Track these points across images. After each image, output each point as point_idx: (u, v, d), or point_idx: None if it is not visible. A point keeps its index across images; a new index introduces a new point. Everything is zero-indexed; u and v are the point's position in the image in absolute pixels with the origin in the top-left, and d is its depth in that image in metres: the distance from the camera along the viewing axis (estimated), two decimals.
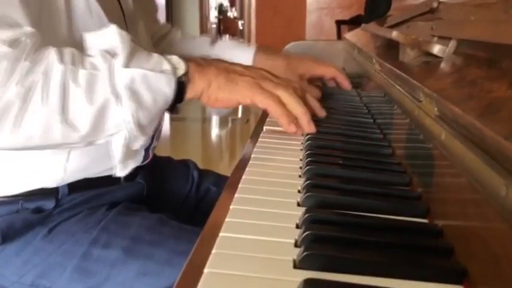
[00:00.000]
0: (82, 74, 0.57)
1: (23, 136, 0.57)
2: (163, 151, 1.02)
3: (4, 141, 0.57)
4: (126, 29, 0.78)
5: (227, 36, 9.86)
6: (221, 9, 9.48)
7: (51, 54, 0.57)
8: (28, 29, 0.58)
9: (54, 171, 0.73)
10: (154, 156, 0.89)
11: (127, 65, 0.59)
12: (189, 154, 3.14)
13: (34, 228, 0.72)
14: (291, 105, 0.68)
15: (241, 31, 9.50)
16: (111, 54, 0.60)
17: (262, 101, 0.66)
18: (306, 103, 0.70)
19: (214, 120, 4.49)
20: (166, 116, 0.65)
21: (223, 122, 4.39)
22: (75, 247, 0.70)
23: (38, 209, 0.73)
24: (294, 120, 0.68)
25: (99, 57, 0.59)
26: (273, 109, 0.67)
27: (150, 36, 0.92)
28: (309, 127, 0.69)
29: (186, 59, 0.65)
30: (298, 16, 5.01)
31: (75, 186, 0.75)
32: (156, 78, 0.60)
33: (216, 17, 8.97)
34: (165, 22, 1.23)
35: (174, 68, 0.62)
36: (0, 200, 0.72)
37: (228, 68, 0.68)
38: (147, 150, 0.83)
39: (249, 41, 5.95)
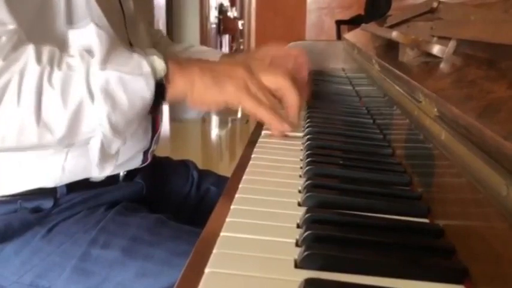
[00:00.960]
0: (58, 75, 0.57)
1: None
2: (163, 151, 1.02)
3: None
4: (125, 31, 0.78)
5: (227, 36, 9.85)
6: (221, 9, 9.47)
7: (29, 53, 0.57)
8: (10, 27, 0.57)
9: (53, 171, 0.72)
10: (154, 156, 0.89)
11: (103, 66, 0.58)
12: (189, 154, 3.14)
13: (33, 228, 0.72)
14: (277, 108, 0.67)
15: (241, 31, 9.50)
16: (91, 54, 0.59)
17: (251, 107, 0.65)
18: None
19: (214, 120, 4.49)
20: (166, 117, 0.65)
21: (223, 123, 4.39)
22: (74, 247, 0.70)
23: (36, 209, 0.73)
24: (284, 120, 0.68)
25: (78, 57, 0.58)
26: (262, 115, 0.66)
27: (150, 39, 0.92)
28: (290, 129, 0.69)
29: (167, 59, 0.63)
30: (298, 16, 5.01)
31: (73, 186, 0.75)
32: (134, 81, 0.60)
33: (216, 17, 8.95)
34: (165, 22, 1.24)
35: (154, 70, 0.61)
36: None
37: (212, 68, 0.67)
38: (145, 153, 0.83)
39: (249, 41, 5.94)
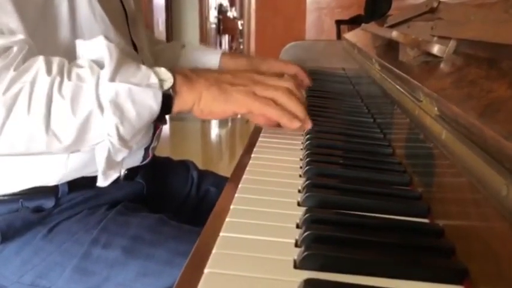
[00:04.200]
0: (68, 85, 0.58)
1: (7, 143, 0.57)
2: (163, 151, 1.02)
3: None
4: (128, 32, 0.79)
5: (227, 36, 9.85)
6: (221, 9, 9.47)
7: (39, 64, 0.58)
8: (20, 36, 0.58)
9: (55, 169, 0.73)
10: (154, 156, 0.89)
11: (112, 78, 0.59)
12: (189, 154, 3.14)
13: (34, 228, 0.72)
14: (286, 105, 0.68)
15: (241, 31, 9.49)
16: (99, 65, 0.60)
17: (258, 108, 0.66)
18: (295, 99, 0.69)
19: (214, 120, 4.48)
20: (166, 116, 0.67)
21: (223, 122, 4.39)
22: (75, 247, 0.70)
23: (37, 208, 0.73)
24: (294, 116, 0.68)
25: (87, 69, 0.60)
26: (271, 113, 0.67)
27: (148, 38, 0.92)
28: (307, 123, 0.69)
29: (174, 71, 0.65)
30: (298, 16, 5.00)
31: (74, 185, 0.75)
32: (142, 93, 0.61)
33: (215, 17, 8.96)
34: (165, 22, 1.26)
35: (161, 81, 0.63)
36: (0, 198, 0.73)
37: (218, 79, 0.68)
38: (146, 149, 0.83)
39: (248, 41, 5.94)
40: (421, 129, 0.54)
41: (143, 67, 0.63)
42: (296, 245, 0.39)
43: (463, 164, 0.40)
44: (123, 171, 0.81)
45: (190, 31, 6.74)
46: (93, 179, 0.76)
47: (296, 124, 0.67)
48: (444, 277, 0.35)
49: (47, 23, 0.64)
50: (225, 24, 9.57)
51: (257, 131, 0.75)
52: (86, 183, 0.76)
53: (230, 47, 10.20)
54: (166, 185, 0.94)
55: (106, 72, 0.59)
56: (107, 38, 0.65)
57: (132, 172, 0.82)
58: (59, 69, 0.59)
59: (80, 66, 0.60)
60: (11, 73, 0.56)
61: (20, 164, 0.72)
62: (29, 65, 0.57)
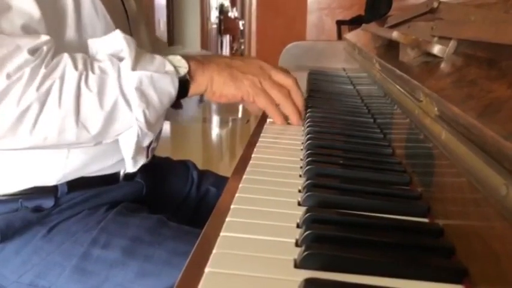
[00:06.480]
0: (93, 78, 0.62)
1: (41, 137, 0.61)
2: (163, 151, 1.02)
3: (24, 142, 0.61)
4: (129, 31, 0.79)
5: (228, 36, 9.85)
6: (222, 10, 9.48)
7: (66, 60, 0.61)
8: (44, 36, 0.61)
9: (54, 168, 0.73)
10: (154, 156, 0.89)
11: (134, 68, 0.63)
12: (189, 154, 3.14)
13: (33, 228, 0.72)
14: (283, 106, 0.76)
15: (242, 31, 9.50)
16: (117, 58, 0.64)
17: (261, 102, 0.74)
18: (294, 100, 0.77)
19: (215, 120, 4.49)
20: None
21: (223, 122, 4.39)
22: (74, 247, 0.70)
23: (37, 208, 0.73)
24: (286, 118, 0.78)
25: (108, 62, 0.63)
26: (270, 110, 0.76)
27: (150, 38, 0.92)
28: (298, 123, 0.78)
29: (187, 58, 0.69)
30: (298, 16, 5.01)
31: (74, 185, 0.75)
32: (161, 79, 0.65)
33: (216, 17, 8.97)
34: (166, 23, 1.26)
35: (176, 68, 0.67)
36: (0, 198, 0.73)
37: (229, 64, 0.73)
38: (146, 150, 0.83)
39: (249, 41, 5.94)
40: (421, 129, 0.54)
41: (157, 56, 0.67)
42: (296, 245, 0.39)
43: (463, 164, 0.40)
44: (122, 172, 0.81)
45: (192, 31, 6.75)
46: (93, 179, 0.77)
47: (283, 123, 0.78)
48: (444, 277, 0.35)
49: (56, 20, 0.66)
50: (226, 25, 9.58)
51: (257, 132, 0.75)
52: (85, 183, 0.76)
53: (231, 47, 10.20)
54: (166, 185, 0.94)
55: (127, 62, 0.63)
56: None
57: (131, 172, 0.82)
58: (84, 63, 0.62)
59: (100, 60, 0.64)
60: (43, 70, 0.59)
61: (20, 163, 0.72)
62: (57, 62, 0.61)
